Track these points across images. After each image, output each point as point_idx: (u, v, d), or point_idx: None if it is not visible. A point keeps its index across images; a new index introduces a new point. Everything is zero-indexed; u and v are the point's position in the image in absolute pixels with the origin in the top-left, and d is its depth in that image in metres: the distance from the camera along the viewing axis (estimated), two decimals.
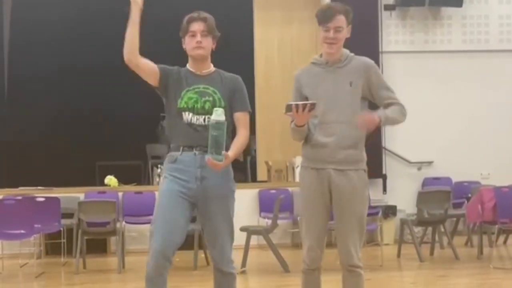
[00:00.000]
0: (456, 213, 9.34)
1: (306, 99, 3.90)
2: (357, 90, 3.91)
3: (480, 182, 9.99)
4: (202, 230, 4.03)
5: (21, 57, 12.32)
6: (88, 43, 12.14)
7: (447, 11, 10.65)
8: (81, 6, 11.89)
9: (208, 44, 3.91)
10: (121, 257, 7.93)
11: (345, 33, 3.92)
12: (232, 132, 3.91)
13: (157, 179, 9.78)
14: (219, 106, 3.81)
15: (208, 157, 3.65)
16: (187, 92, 3.88)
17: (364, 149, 4.00)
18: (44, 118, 12.34)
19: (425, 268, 7.81)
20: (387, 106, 3.94)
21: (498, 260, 8.13)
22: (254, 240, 8.60)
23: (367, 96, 3.98)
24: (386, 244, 9.19)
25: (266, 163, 11.10)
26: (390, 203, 9.87)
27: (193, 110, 3.86)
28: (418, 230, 9.22)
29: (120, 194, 9.48)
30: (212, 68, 3.99)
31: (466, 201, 9.19)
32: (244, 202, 9.59)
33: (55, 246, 8.74)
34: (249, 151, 12.25)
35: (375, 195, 9.91)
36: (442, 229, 8.66)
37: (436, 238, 8.82)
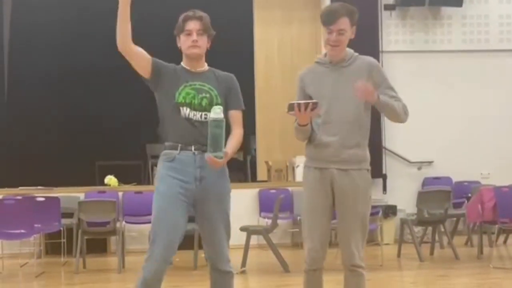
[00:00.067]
0: (456, 213, 9.34)
1: (310, 98, 3.89)
2: None
3: (480, 182, 9.99)
4: (200, 230, 4.00)
5: (21, 58, 12.31)
6: (88, 43, 12.13)
7: (447, 10, 10.65)
8: (81, 7, 11.89)
9: (204, 43, 3.91)
10: (121, 257, 7.93)
11: (349, 35, 3.90)
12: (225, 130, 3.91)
13: None
14: (216, 103, 3.82)
15: (208, 155, 3.65)
16: (185, 88, 3.87)
17: (368, 148, 3.99)
18: (44, 118, 12.33)
19: (425, 268, 7.81)
20: None
21: (498, 260, 8.13)
22: (254, 240, 8.60)
23: None
24: (386, 244, 9.18)
25: (266, 163, 11.10)
26: (390, 203, 9.87)
27: (190, 106, 3.84)
28: (418, 230, 9.22)
29: (120, 194, 9.48)
30: (206, 66, 4.00)
31: (466, 201, 9.19)
32: (244, 202, 9.59)
33: (55, 246, 8.74)
34: (249, 150, 12.26)
35: (375, 194, 9.89)
36: (442, 229, 8.66)
37: (436, 238, 8.82)
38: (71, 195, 9.19)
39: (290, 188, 9.86)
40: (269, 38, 11.51)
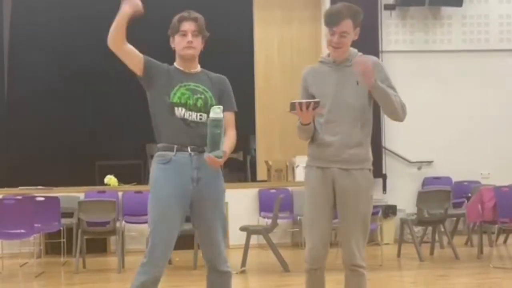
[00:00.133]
0: (456, 213, 9.34)
1: (313, 97, 3.89)
2: (363, 89, 3.85)
3: (480, 181, 9.99)
4: (196, 230, 4.01)
5: (21, 58, 12.31)
6: (88, 43, 12.11)
7: (447, 10, 10.65)
8: (81, 8, 11.89)
9: (198, 44, 3.91)
10: (121, 257, 7.93)
11: (351, 37, 3.88)
12: None
13: None
14: (211, 104, 3.82)
15: (207, 155, 3.65)
16: (180, 88, 3.86)
17: (370, 148, 3.98)
18: (44, 118, 12.33)
19: (425, 268, 7.80)
20: None
21: (498, 260, 8.13)
22: (254, 239, 8.59)
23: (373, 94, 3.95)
24: (386, 244, 9.18)
25: (266, 162, 11.10)
26: (390, 202, 9.87)
27: (185, 106, 3.83)
28: (418, 229, 9.22)
29: (120, 193, 9.48)
30: (199, 67, 3.99)
31: (466, 201, 9.19)
32: (244, 202, 9.60)
33: (55, 245, 8.74)
34: (249, 150, 12.26)
35: (375, 194, 9.80)
36: (442, 229, 8.66)
37: (436, 237, 8.82)
38: (71, 195, 9.19)
39: (290, 188, 9.86)
40: (269, 38, 11.50)
